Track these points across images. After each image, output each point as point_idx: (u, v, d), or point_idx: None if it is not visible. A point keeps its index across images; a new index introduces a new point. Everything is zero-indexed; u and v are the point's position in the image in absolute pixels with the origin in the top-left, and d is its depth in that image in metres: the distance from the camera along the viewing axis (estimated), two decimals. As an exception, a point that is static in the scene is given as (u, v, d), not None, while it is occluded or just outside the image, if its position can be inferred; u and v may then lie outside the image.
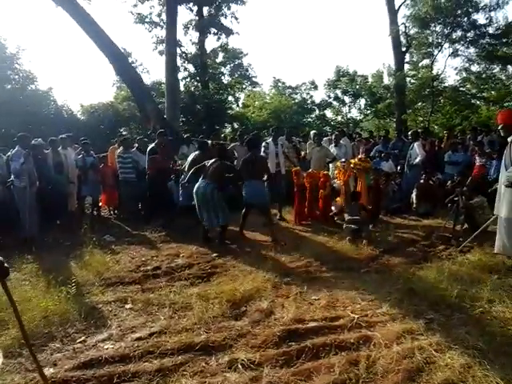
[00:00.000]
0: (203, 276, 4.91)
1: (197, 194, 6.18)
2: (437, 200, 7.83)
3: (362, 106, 25.91)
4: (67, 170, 8.24)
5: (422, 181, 8.25)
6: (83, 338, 3.53)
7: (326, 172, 7.83)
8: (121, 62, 11.74)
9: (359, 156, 8.10)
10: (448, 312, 3.65)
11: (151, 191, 8.07)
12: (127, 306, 4.11)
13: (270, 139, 8.01)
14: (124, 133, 22.64)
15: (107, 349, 3.29)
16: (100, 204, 9.44)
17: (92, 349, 3.32)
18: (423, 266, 4.91)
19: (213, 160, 6.39)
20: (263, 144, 7.93)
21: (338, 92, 25.71)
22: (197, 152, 7.42)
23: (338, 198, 7.78)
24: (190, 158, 7.37)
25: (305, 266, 5.12)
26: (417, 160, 8.55)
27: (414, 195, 8.15)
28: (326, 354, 3.09)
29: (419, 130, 11.11)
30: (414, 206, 8.10)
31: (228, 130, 25.50)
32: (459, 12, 19.57)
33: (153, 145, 8.21)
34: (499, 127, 5.09)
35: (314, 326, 3.49)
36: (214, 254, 5.74)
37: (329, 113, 26.80)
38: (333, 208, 7.74)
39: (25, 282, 4.79)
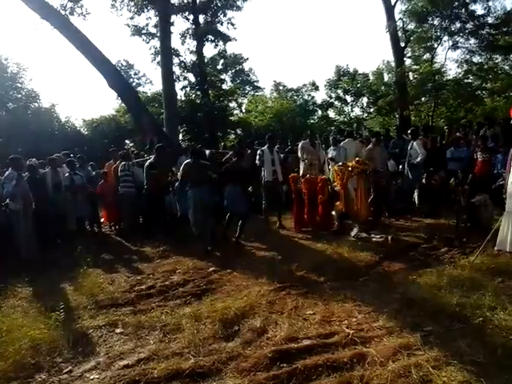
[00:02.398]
0: (197, 293, 4.78)
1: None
2: (440, 199, 7.63)
3: (365, 105, 25.67)
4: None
5: (423, 180, 8.04)
6: (70, 367, 3.42)
7: (323, 177, 7.66)
8: (113, 76, 11.68)
9: (357, 158, 7.92)
10: (447, 322, 3.48)
11: (149, 206, 8.00)
12: (117, 331, 4.00)
13: (266, 147, 7.88)
14: (130, 144, 22.72)
15: (93, 379, 3.19)
16: (102, 220, 9.45)
17: (78, 380, 3.22)
18: (423, 271, 4.73)
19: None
20: (258, 152, 7.82)
21: (340, 92, 25.52)
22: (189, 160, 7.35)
23: (337, 203, 7.62)
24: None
25: (302, 278, 4.98)
26: (418, 159, 8.33)
27: (416, 195, 7.96)
28: (318, 376, 2.95)
29: (419, 127, 10.89)
30: (417, 206, 7.90)
31: (232, 136, 25.44)
32: (456, 4, 19.35)
33: (151, 160, 8.07)
34: None
35: (306, 345, 3.35)
36: (211, 269, 5.62)
37: (331, 113, 26.62)
38: (333, 213, 7.59)
39: (17, 309, 4.70)
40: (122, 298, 4.88)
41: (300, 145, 8.51)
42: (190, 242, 6.96)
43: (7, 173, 6.76)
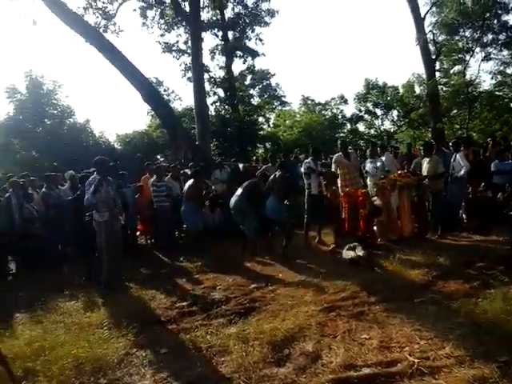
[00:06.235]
0: (241, 312, 4.57)
1: None
2: (488, 214, 7.22)
3: (395, 118, 25.21)
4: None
5: (470, 195, 7.65)
6: (116, 389, 3.28)
7: (364, 190, 7.36)
8: (149, 91, 11.85)
9: (399, 171, 7.62)
10: (524, 352, 3.15)
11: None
12: (162, 351, 3.83)
13: (310, 159, 7.63)
14: (161, 159, 22.96)
15: (141, 405, 3.02)
16: (137, 233, 9.43)
17: (124, 404, 3.06)
18: (485, 293, 4.38)
19: None
20: (305, 164, 7.59)
21: (369, 105, 25.19)
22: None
23: (380, 218, 7.31)
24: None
25: (351, 298, 4.68)
26: (461, 172, 7.90)
27: (463, 210, 7.57)
28: (385, 409, 2.69)
29: (460, 139, 10.44)
30: (465, 221, 7.51)
31: (261, 150, 25.42)
32: (488, 15, 18.83)
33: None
34: None
35: (367, 374, 3.08)
36: (252, 286, 5.41)
37: (361, 127, 26.27)
38: (375, 228, 7.29)
39: (59, 325, 4.61)
40: (164, 314, 4.74)
41: (333, 158, 8.09)
42: (228, 258, 6.81)
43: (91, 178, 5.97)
